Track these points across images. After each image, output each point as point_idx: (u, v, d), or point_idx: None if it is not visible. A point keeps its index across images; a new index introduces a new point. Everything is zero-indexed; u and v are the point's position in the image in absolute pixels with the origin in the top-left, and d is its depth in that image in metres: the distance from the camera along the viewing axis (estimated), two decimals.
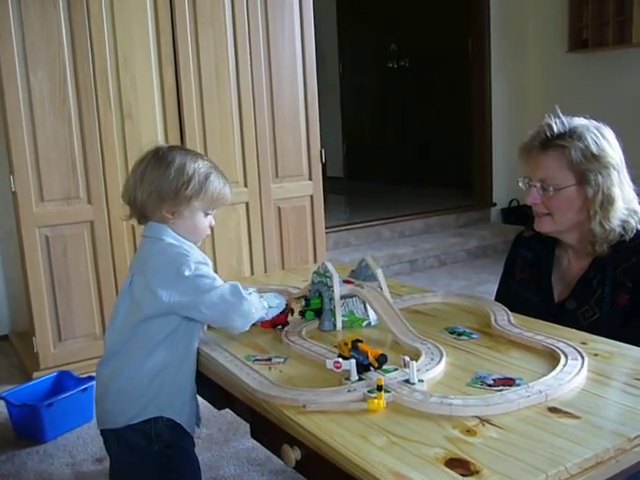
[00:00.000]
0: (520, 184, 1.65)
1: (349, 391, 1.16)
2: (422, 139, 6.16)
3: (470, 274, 4.26)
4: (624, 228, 1.54)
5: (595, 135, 1.54)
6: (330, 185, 6.48)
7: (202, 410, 1.52)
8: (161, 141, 2.83)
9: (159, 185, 1.47)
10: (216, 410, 1.56)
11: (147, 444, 1.46)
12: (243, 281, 1.60)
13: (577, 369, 1.18)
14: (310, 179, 3.32)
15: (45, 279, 2.67)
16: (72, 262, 2.72)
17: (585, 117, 1.60)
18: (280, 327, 1.55)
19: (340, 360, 1.23)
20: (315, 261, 3.27)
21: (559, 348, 1.28)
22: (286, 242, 3.27)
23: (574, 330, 1.41)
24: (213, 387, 1.44)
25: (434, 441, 0.98)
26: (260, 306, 1.48)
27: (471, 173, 5.32)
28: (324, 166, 6.81)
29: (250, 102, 3.06)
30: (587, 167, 1.52)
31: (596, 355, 1.27)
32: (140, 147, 2.78)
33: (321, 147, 3.34)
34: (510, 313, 1.53)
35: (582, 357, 1.23)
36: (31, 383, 2.42)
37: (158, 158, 1.51)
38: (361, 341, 1.26)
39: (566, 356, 1.24)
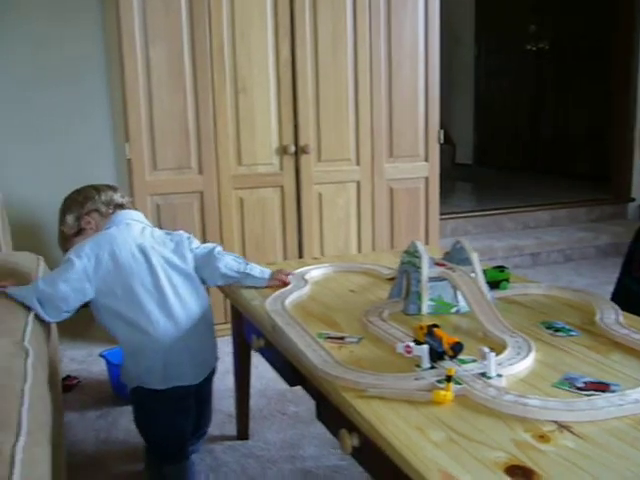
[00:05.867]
0: None
1: (417, 379, 1.06)
2: (557, 125, 5.77)
3: (598, 272, 3.93)
4: None
5: None
6: (458, 172, 6.28)
7: (295, 388, 1.45)
8: (273, 114, 2.82)
9: None
10: None
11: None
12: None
13: None
14: (426, 160, 3.18)
15: None
16: None
17: None
18: None
19: (411, 345, 1.13)
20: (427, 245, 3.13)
21: None
22: (397, 224, 3.16)
23: None
24: (287, 362, 1.39)
25: (499, 443, 0.87)
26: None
27: (608, 163, 4.91)
28: (453, 152, 6.59)
29: (367, 78, 2.97)
30: None
31: None
32: (252, 120, 2.82)
33: (442, 128, 3.18)
34: (620, 312, 1.36)
35: None
36: None
37: None
38: (438, 326, 1.16)
39: None
